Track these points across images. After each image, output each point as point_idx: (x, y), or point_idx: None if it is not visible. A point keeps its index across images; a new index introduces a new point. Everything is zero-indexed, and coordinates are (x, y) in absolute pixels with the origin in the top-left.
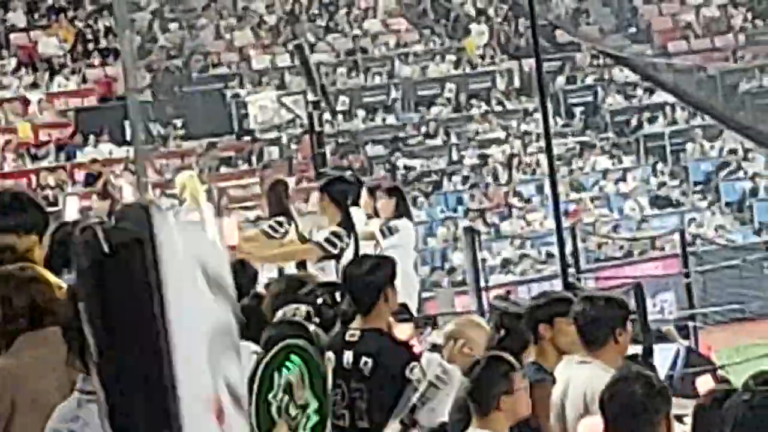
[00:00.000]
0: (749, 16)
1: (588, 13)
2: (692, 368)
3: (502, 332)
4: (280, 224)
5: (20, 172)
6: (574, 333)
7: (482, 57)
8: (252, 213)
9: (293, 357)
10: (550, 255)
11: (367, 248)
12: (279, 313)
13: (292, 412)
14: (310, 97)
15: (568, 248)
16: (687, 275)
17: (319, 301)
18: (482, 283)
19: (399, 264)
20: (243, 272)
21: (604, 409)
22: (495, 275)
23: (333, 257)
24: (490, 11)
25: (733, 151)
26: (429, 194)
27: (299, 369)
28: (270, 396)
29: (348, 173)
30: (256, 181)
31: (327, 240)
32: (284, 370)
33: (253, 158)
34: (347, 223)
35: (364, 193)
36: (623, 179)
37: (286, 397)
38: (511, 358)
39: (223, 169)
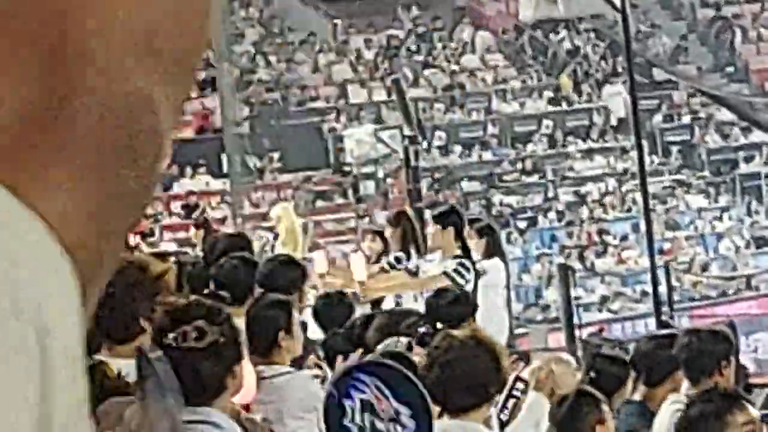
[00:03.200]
0: None
1: (686, 51)
2: None
3: (592, 373)
4: (399, 260)
5: None
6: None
7: (579, 93)
8: (347, 246)
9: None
10: (644, 293)
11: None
12: (379, 347)
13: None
14: (406, 131)
15: (663, 287)
16: None
17: (421, 330)
18: (575, 320)
19: (488, 302)
20: (341, 303)
21: None
22: (589, 312)
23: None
24: (588, 48)
25: None
26: (524, 231)
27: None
28: None
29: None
30: (351, 215)
31: (455, 270)
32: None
33: (349, 192)
34: (466, 253)
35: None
36: (719, 218)
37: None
38: (598, 395)
39: (319, 203)
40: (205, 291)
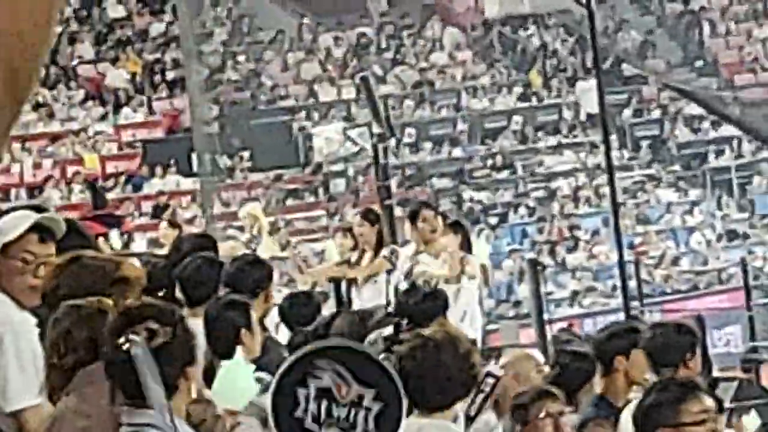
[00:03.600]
0: None
1: (655, 46)
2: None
3: (557, 369)
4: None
5: (87, 204)
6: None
7: (549, 89)
8: (318, 245)
9: None
10: (615, 288)
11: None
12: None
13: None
14: (375, 129)
15: (632, 281)
16: (750, 308)
17: (390, 329)
18: (546, 316)
19: (461, 299)
20: (307, 303)
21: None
22: (561, 308)
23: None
24: (557, 44)
25: None
26: (495, 227)
27: None
28: None
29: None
30: (322, 213)
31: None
32: None
33: (320, 191)
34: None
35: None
36: (690, 212)
37: None
38: (557, 393)
39: (290, 201)
40: (159, 293)
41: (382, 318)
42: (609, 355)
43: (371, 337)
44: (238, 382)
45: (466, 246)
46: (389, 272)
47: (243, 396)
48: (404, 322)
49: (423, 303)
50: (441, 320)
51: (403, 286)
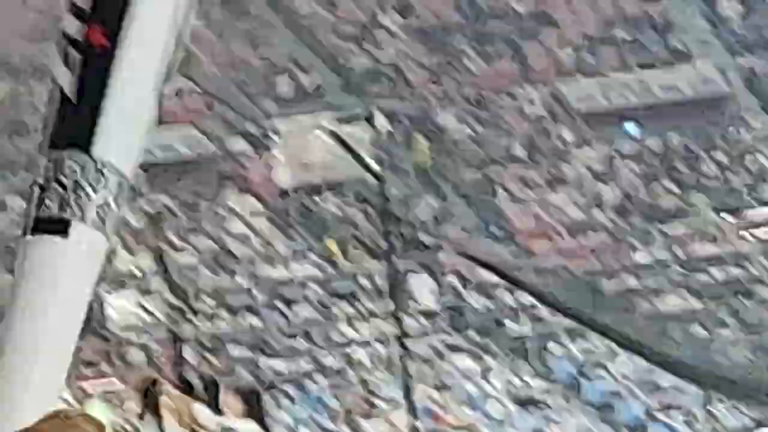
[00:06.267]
0: (613, 216)
1: (452, 213)
2: None
3: None
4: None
5: None
6: None
7: (347, 258)
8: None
9: None
10: None
11: None
12: None
13: None
14: (172, 300)
15: None
16: None
17: None
18: None
19: None
20: None
21: None
22: None
23: None
24: (358, 214)
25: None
26: (292, 396)
27: None
28: None
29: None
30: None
31: None
32: None
33: (116, 360)
34: None
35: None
36: (485, 379)
37: None
38: None
39: (88, 371)
40: None
41: None
42: None
43: None
44: None
45: (255, 414)
46: None
47: None
48: None
49: None
50: None
51: None
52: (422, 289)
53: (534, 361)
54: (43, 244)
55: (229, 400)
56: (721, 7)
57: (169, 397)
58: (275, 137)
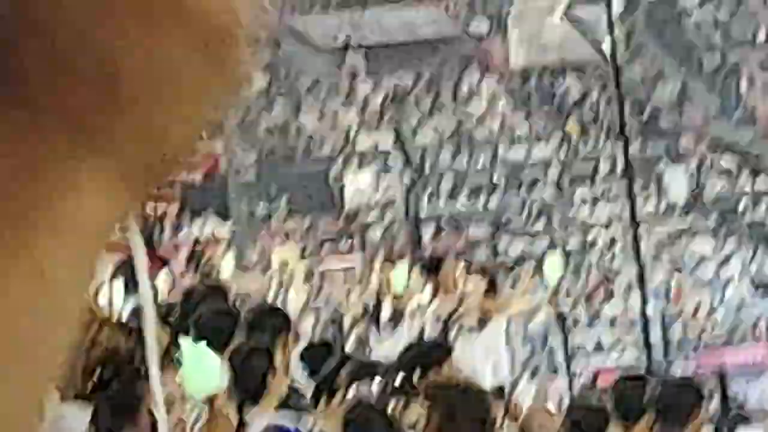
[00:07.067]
0: None
1: (692, 98)
2: None
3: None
4: None
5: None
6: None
7: (585, 141)
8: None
9: None
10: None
11: None
12: (351, 390)
13: None
14: (406, 179)
15: (659, 334)
16: None
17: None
18: (573, 369)
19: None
20: (326, 352)
21: None
22: (592, 360)
23: None
24: (594, 95)
25: None
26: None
27: None
28: None
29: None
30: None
31: None
32: None
33: (355, 239)
34: None
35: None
36: (725, 263)
37: None
38: None
39: (325, 249)
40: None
41: (385, 370)
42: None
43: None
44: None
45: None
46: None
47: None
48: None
49: (427, 353)
50: (447, 366)
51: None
52: (672, 182)
53: None
54: None
55: (471, 279)
56: None
57: None
58: (515, 19)
